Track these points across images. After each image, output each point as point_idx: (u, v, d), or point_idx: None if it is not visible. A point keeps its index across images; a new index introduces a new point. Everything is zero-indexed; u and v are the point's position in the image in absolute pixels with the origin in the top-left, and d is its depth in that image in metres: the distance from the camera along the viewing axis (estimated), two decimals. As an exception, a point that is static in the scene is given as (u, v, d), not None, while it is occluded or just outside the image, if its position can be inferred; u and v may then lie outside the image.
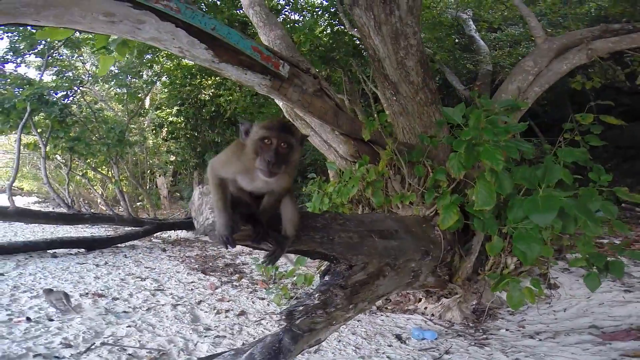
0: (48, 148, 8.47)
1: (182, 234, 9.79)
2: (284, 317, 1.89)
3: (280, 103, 4.84)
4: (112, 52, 3.95)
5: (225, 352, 2.00)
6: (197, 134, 11.79)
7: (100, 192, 13.32)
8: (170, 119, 12.20)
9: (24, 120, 7.41)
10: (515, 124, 3.78)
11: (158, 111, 13.04)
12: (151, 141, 14.16)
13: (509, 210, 2.78)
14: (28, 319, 3.58)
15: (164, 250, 7.68)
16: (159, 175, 14.83)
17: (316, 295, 2.00)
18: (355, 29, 7.27)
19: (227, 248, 1.54)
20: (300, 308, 1.91)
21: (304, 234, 2.05)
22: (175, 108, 11.87)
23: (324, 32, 8.58)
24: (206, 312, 4.08)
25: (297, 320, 1.86)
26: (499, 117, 3.24)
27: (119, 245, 7.60)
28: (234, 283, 5.36)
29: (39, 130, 8.28)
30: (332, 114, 3.65)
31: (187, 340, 3.30)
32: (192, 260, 6.74)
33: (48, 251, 6.58)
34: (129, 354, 2.95)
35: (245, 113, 9.95)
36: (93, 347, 3.07)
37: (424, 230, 3.60)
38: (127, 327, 3.51)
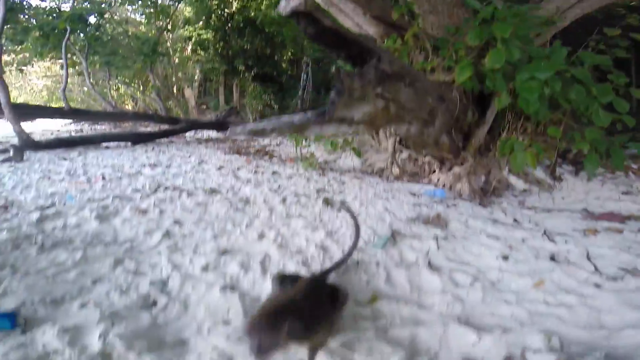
0: (88, 62, 9.23)
1: (213, 134, 10.44)
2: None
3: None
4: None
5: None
6: (226, 44, 11.68)
7: (132, 106, 14.01)
8: (198, 32, 12.06)
9: (65, 37, 7.99)
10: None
11: (186, 27, 12.89)
12: (177, 58, 14.26)
13: (517, 73, 3.20)
14: (103, 177, 4.37)
15: (199, 143, 8.39)
16: (187, 87, 15.18)
17: (355, 70, 2.43)
18: None
19: None
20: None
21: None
22: (202, 23, 11.70)
23: None
24: (245, 173, 4.73)
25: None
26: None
27: (158, 140, 8.36)
28: (266, 160, 5.97)
29: (77, 47, 8.99)
30: (364, -2, 3.75)
31: (232, 185, 3.97)
32: (227, 148, 7.40)
33: (102, 144, 7.43)
34: (187, 191, 3.65)
35: (273, 21, 10.01)
36: (157, 189, 3.80)
37: (442, 89, 3.87)
38: (182, 180, 4.22)
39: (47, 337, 1.41)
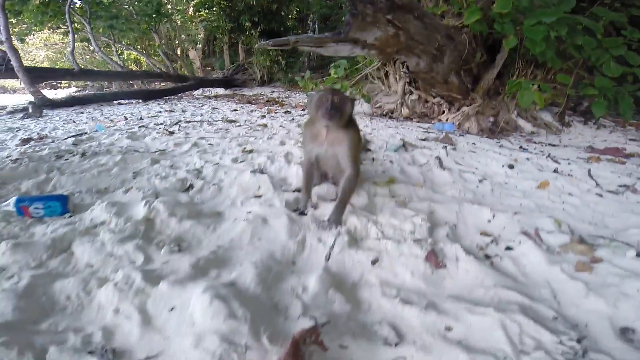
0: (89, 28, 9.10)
1: (221, 91, 10.46)
2: None
3: None
4: None
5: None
6: (230, 2, 11.38)
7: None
8: None
9: (68, 2, 7.86)
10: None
11: None
12: (179, 20, 13.97)
13: (525, 19, 3.23)
14: (125, 118, 4.54)
15: (209, 98, 8.47)
16: (191, 48, 14.98)
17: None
18: None
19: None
20: None
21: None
22: None
23: None
24: (258, 114, 4.85)
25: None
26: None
27: (169, 97, 8.47)
28: (276, 107, 6.07)
29: (78, 12, 8.82)
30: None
31: (248, 119, 4.11)
32: (237, 100, 7.48)
33: (114, 102, 7.57)
34: (207, 122, 3.81)
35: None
36: (178, 122, 3.97)
37: (451, 30, 3.87)
38: (199, 117, 4.38)
39: (95, 212, 1.53)
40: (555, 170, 2.45)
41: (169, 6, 13.32)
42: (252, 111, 5.11)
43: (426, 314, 0.96)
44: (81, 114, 5.75)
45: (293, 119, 4.12)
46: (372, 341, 0.88)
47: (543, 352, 0.87)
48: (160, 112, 5.39)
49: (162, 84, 10.39)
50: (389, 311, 1.00)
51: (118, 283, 1.01)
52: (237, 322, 0.84)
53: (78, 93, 14.00)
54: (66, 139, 3.14)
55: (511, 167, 2.54)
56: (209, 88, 10.21)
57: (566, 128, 4.53)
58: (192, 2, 12.64)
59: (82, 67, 10.52)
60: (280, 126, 3.54)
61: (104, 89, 12.84)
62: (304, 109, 5.63)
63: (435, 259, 1.21)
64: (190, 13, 13.21)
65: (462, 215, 1.69)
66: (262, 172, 1.98)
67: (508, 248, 1.41)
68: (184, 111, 5.32)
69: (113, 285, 1.00)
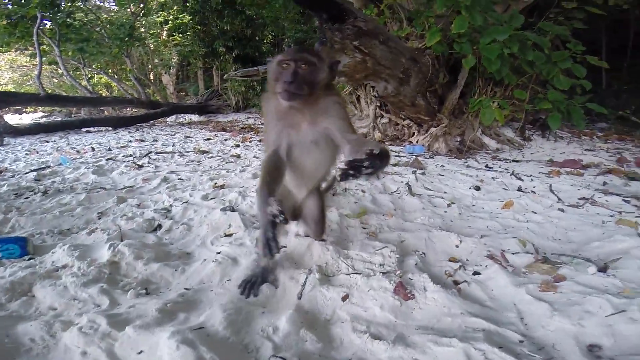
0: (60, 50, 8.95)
1: (195, 117, 10.39)
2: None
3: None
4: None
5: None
6: (204, 27, 11.55)
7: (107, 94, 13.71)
8: (175, 16, 11.84)
9: (37, 24, 7.71)
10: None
11: (162, 12, 12.58)
12: (152, 44, 13.97)
13: (481, 37, 3.52)
14: (92, 149, 4.41)
15: (182, 125, 8.39)
16: (164, 73, 14.90)
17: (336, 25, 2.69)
18: None
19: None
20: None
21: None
22: (179, 7, 11.47)
23: None
24: (233, 142, 4.85)
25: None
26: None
27: (140, 124, 8.31)
28: (252, 134, 6.09)
29: (49, 35, 8.70)
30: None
31: (221, 149, 4.10)
32: (211, 127, 7.45)
33: (82, 129, 7.34)
34: (178, 153, 3.77)
35: (253, 2, 9.84)
36: (148, 154, 3.89)
37: (415, 52, 4.14)
38: (171, 148, 4.32)
39: (56, 255, 1.46)
40: (519, 189, 2.59)
41: (142, 30, 13.34)
42: (226, 140, 5.10)
43: (394, 349, 0.98)
44: (46, 143, 5.54)
45: (267, 147, 4.16)
46: (342, 381, 0.87)
47: None
48: (130, 141, 5.28)
49: (133, 110, 10.21)
50: (359, 347, 1.01)
51: (83, 327, 0.97)
52: (203, 371, 0.81)
53: (44, 119, 13.46)
54: (27, 173, 3.01)
55: (478, 188, 2.66)
56: (182, 114, 10.13)
57: (527, 142, 4.82)
58: (166, 26, 12.71)
59: (50, 91, 10.20)
60: (254, 156, 3.56)
61: (72, 115, 12.44)
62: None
63: (403, 291, 1.23)
64: (163, 37, 13.24)
65: (431, 242, 1.74)
66: (232, 209, 1.96)
67: (475, 273, 1.46)
68: (155, 140, 5.24)
69: (78, 329, 0.97)
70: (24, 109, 17.84)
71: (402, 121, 5.10)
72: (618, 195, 2.32)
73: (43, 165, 3.24)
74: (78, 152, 4.30)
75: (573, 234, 1.82)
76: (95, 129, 7.55)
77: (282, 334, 1.04)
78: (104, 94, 14.05)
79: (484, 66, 3.73)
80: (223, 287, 1.30)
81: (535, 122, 5.11)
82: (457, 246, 1.69)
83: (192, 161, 3.38)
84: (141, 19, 12.39)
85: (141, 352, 0.91)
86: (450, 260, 1.56)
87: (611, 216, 1.98)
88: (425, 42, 4.15)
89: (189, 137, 5.69)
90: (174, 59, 13.81)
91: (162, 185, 2.56)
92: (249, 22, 10.62)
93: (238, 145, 4.39)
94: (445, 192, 2.52)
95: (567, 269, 1.43)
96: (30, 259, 1.49)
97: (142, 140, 5.23)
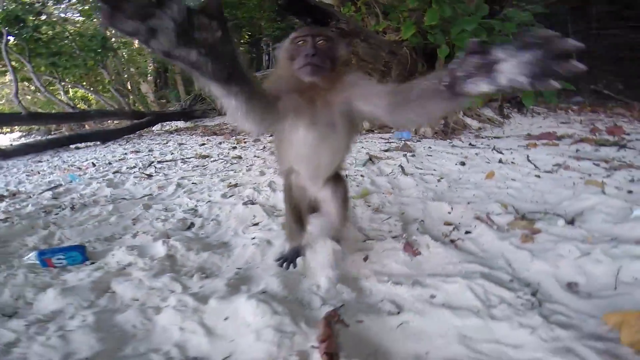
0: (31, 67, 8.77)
1: (181, 124, 10.43)
2: None
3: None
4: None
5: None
6: None
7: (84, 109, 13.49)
8: None
9: (4, 41, 7.61)
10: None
11: None
12: (126, 53, 13.75)
13: (452, 27, 3.87)
14: (93, 164, 4.54)
15: (170, 133, 8.47)
16: (142, 82, 14.74)
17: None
18: None
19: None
20: None
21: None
22: None
23: None
24: (228, 145, 5.06)
25: None
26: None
27: (127, 136, 8.33)
28: (244, 135, 6.28)
29: (16, 52, 8.52)
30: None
31: (220, 152, 4.31)
32: (201, 132, 7.58)
33: (70, 146, 7.34)
34: (181, 160, 3.96)
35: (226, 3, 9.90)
36: (151, 164, 4.08)
37: (393, 45, 4.45)
38: (170, 156, 4.50)
39: (117, 257, 1.68)
40: (500, 161, 2.95)
41: (113, 39, 13.16)
42: (220, 143, 5.30)
43: (414, 289, 1.28)
44: (40, 163, 5.60)
45: (265, 147, 4.39)
46: (379, 314, 1.17)
47: (506, 305, 1.17)
48: (125, 154, 5.41)
49: (115, 122, 10.15)
50: (386, 292, 1.31)
51: (175, 306, 1.22)
52: (280, 316, 1.10)
53: (23, 138, 13.13)
54: (42, 193, 3.16)
55: (463, 164, 3.00)
56: (168, 122, 10.16)
57: (507, 120, 5.23)
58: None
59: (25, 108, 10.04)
60: (255, 156, 3.80)
61: (52, 132, 12.23)
62: (271, 134, 5.90)
63: (411, 249, 1.54)
64: (137, 45, 13.11)
65: (427, 211, 2.06)
66: (252, 202, 2.23)
67: (467, 232, 1.78)
68: (150, 150, 5.38)
69: (172, 308, 1.21)
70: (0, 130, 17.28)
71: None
72: (589, 159, 2.68)
73: (54, 184, 3.38)
74: (79, 168, 4.43)
75: (548, 196, 2.14)
76: (84, 144, 7.58)
77: (323, 290, 1.32)
78: (83, 108, 13.84)
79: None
80: (266, 264, 1.57)
81: (512, 100, 5.52)
82: (449, 213, 2.01)
83: (197, 166, 3.60)
84: (111, 28, 12.22)
85: (227, 318, 1.16)
86: (445, 224, 1.88)
87: (581, 178, 2.31)
88: (401, 34, 4.46)
89: (183, 144, 5.85)
90: (150, 66, 13.67)
91: (179, 190, 2.78)
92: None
93: (235, 147, 4.61)
94: (434, 170, 2.84)
95: (542, 223, 1.75)
96: (92, 263, 1.70)
97: (137, 152, 5.36)
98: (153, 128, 9.82)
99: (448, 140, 4.21)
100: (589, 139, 3.50)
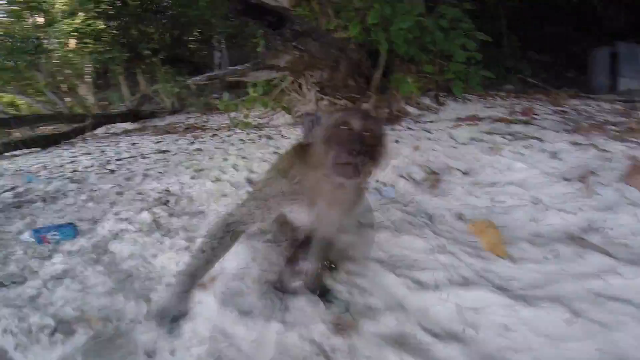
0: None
1: (128, 125, 10.10)
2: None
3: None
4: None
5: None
6: (124, 32, 10.96)
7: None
8: (87, 23, 11.00)
9: None
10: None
11: (67, 21, 11.53)
12: (59, 54, 12.81)
13: (391, 25, 4.47)
14: (44, 167, 4.49)
15: (118, 135, 8.27)
16: (79, 83, 13.84)
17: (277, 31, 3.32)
18: None
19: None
20: None
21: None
22: (85, 15, 10.72)
23: None
24: (184, 141, 5.24)
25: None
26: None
27: (70, 140, 7.95)
28: (199, 132, 6.43)
29: None
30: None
31: (179, 147, 4.53)
32: (152, 133, 7.53)
33: (5, 154, 6.87)
34: (139, 156, 4.14)
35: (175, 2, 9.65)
36: (108, 163, 4.19)
37: (342, 43, 5.00)
38: (126, 154, 4.61)
39: (108, 227, 1.95)
40: (428, 138, 3.57)
41: (46, 41, 12.26)
42: (176, 140, 5.45)
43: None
44: (-22, 174, 5.29)
45: (224, 140, 4.67)
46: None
47: (407, 223, 1.74)
48: (75, 157, 5.32)
49: (51, 127, 9.53)
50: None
51: (171, 247, 1.59)
52: (255, 243, 1.54)
53: None
54: (1, 193, 3.19)
55: (397, 142, 3.60)
56: (113, 124, 9.80)
57: (442, 107, 6.01)
58: (74, 34, 11.85)
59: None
60: (216, 147, 4.09)
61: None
62: (229, 129, 6.12)
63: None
64: (72, 45, 12.29)
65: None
66: (219, 180, 2.60)
67: (392, 185, 2.34)
68: (102, 152, 5.36)
69: (168, 249, 1.58)
70: None
71: (339, 101, 5.97)
72: (499, 134, 3.30)
73: (12, 187, 3.39)
74: (30, 172, 4.37)
75: (458, 160, 2.76)
76: (20, 152, 7.13)
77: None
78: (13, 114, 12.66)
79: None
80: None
81: (447, 89, 6.36)
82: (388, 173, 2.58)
83: (159, 159, 3.82)
84: (45, 29, 11.38)
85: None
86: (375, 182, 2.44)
87: (490, 148, 2.92)
88: (349, 32, 5.00)
89: (136, 143, 5.87)
90: (88, 67, 12.92)
91: (147, 179, 3.03)
92: (174, 23, 10.52)
93: (193, 142, 4.83)
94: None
95: (445, 175, 2.37)
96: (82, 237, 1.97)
97: (88, 154, 5.33)
98: (96, 131, 9.41)
99: (391, 126, 4.84)
100: (505, 119, 4.27)
